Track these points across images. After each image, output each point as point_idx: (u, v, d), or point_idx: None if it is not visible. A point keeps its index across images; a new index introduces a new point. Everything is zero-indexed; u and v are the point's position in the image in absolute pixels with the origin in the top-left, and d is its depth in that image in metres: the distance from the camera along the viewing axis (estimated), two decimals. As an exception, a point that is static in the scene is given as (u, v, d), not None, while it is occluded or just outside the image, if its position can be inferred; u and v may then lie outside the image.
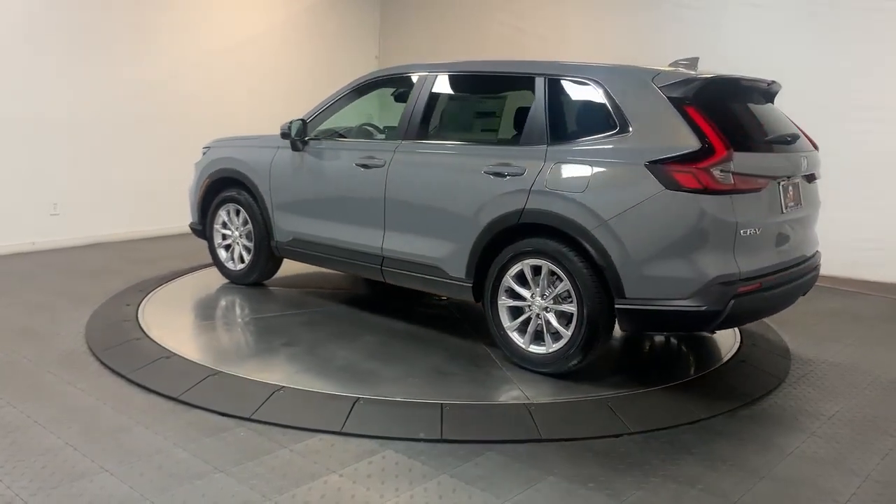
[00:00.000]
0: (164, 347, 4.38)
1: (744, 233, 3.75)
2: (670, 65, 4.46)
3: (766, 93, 4.47)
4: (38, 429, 3.40)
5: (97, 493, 2.86)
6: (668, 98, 3.84)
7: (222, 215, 6.02)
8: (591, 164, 3.95)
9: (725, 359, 4.56)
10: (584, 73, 4.18)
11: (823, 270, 4.64)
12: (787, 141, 4.21)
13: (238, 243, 5.95)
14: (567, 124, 4.24)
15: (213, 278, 6.29)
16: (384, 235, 4.86)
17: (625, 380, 4.25)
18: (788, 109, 4.55)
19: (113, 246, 7.64)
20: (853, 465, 3.29)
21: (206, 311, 5.47)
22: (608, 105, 3.99)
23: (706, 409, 3.85)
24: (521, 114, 4.44)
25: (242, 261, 5.93)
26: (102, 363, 4.23)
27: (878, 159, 6.64)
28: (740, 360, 4.54)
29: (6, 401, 3.70)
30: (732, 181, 3.70)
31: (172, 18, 8.26)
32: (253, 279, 5.92)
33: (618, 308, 3.87)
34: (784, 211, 4.05)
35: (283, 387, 3.85)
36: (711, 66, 4.35)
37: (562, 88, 4.24)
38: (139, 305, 5.27)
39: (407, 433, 3.44)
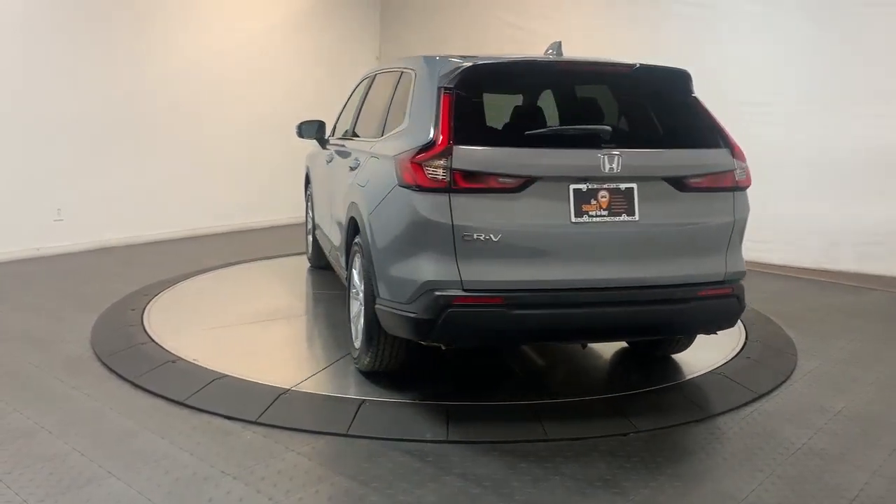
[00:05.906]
0: (169, 351, 4.40)
1: (467, 237, 3.30)
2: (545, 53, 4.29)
3: (644, 80, 3.91)
4: (44, 434, 3.41)
5: (105, 498, 2.87)
6: (436, 88, 3.60)
7: (309, 207, 6.80)
8: (375, 157, 4.01)
9: (731, 356, 4.54)
10: (410, 65, 4.17)
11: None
12: (580, 136, 3.64)
13: (311, 232, 6.76)
14: (392, 118, 4.18)
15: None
16: (332, 225, 5.20)
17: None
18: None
19: (117, 251, 7.65)
20: (860, 461, 3.28)
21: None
22: (408, 96, 3.95)
23: (712, 406, 3.85)
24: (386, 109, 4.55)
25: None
26: (108, 368, 4.24)
27: (884, 153, 6.61)
28: (745, 357, 4.54)
29: (13, 407, 3.71)
30: (449, 178, 3.33)
31: (174, 20, 8.28)
32: (316, 262, 6.66)
33: (375, 307, 3.69)
34: (577, 219, 3.43)
35: (289, 389, 3.85)
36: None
37: (401, 82, 4.26)
38: (144, 310, 5.28)
39: (413, 434, 3.44)
